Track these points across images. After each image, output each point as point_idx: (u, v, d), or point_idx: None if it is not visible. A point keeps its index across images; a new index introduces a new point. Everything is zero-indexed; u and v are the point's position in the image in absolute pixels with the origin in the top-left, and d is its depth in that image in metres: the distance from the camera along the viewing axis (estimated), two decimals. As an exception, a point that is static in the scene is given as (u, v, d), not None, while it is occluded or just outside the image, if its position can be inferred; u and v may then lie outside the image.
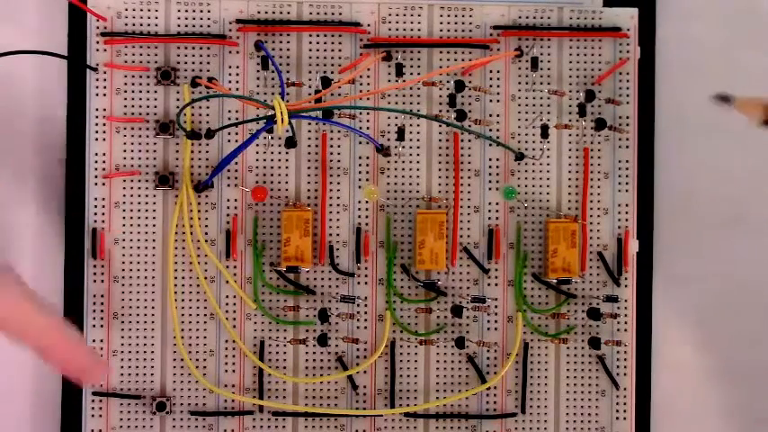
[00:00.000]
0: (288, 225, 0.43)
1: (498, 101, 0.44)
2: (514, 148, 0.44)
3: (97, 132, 0.43)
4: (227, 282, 0.43)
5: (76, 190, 0.43)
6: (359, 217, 0.44)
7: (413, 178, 0.44)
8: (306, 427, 0.44)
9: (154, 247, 0.43)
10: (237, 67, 0.43)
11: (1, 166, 0.43)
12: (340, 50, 0.44)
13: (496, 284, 0.44)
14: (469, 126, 0.44)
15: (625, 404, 0.44)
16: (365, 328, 0.44)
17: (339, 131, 0.44)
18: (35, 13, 0.43)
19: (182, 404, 0.43)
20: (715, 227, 0.45)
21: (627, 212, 0.44)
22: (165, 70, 0.43)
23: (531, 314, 0.44)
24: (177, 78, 0.43)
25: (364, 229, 0.44)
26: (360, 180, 0.44)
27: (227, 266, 0.43)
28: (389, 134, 0.44)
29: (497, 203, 0.44)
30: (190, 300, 0.43)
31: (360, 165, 0.44)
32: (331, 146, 0.44)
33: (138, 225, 0.43)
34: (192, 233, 0.43)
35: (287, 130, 0.41)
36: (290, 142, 0.42)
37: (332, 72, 0.44)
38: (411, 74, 0.44)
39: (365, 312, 0.44)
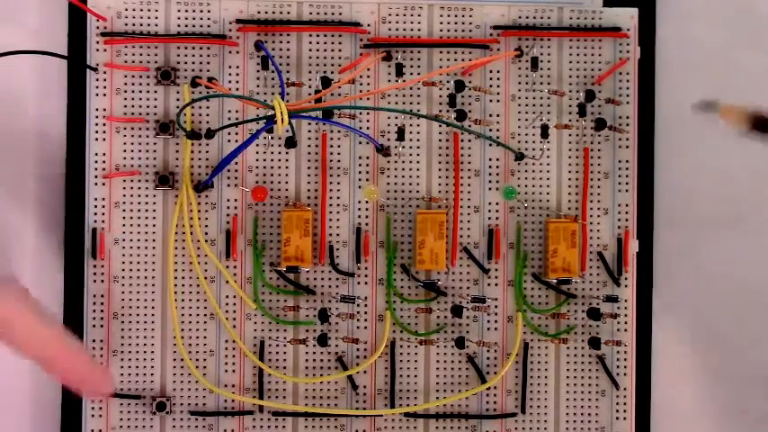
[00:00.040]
0: (288, 225, 0.43)
1: (498, 101, 0.44)
2: (514, 148, 0.44)
3: (97, 132, 0.43)
4: (227, 282, 0.43)
5: (76, 190, 0.43)
6: (359, 217, 0.44)
7: (413, 178, 0.44)
8: (306, 427, 0.44)
9: (154, 247, 0.43)
10: (237, 67, 0.43)
11: (1, 165, 0.43)
12: (340, 50, 0.44)
13: (496, 284, 0.44)
14: (469, 126, 0.44)
15: (625, 404, 0.44)
16: (365, 328, 0.44)
17: (339, 131, 0.44)
18: (35, 13, 0.43)
19: (182, 404, 0.43)
20: (715, 227, 0.45)
21: (627, 212, 0.44)
22: (165, 70, 0.43)
23: (531, 314, 0.44)
24: (177, 78, 0.43)
25: (364, 229, 0.44)
26: (360, 180, 0.44)
27: (227, 266, 0.43)
28: (389, 134, 0.44)
29: (497, 203, 0.44)
30: (190, 300, 0.43)
31: (360, 165, 0.44)
32: (331, 146, 0.44)
33: (138, 225, 0.43)
34: (192, 233, 0.43)
35: (287, 130, 0.41)
36: (290, 142, 0.42)
37: (332, 72, 0.44)
38: (411, 74, 0.44)
39: (365, 312, 0.44)
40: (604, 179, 0.44)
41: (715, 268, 0.45)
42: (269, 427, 0.43)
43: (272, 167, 0.43)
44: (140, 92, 0.43)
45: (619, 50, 0.44)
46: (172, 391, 0.43)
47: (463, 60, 0.44)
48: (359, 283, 0.44)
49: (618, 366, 0.44)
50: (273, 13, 0.43)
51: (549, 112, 0.44)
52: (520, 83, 0.44)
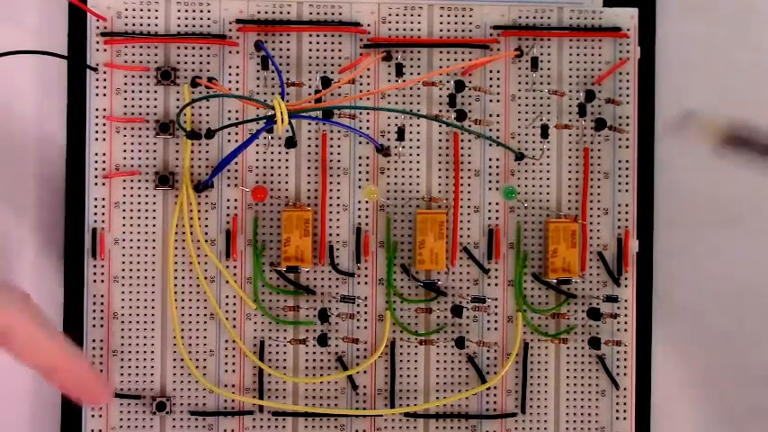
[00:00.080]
0: (288, 225, 0.43)
1: (498, 101, 0.44)
2: (514, 148, 0.44)
3: (97, 132, 0.43)
4: (227, 282, 0.43)
5: (76, 190, 0.43)
6: (359, 217, 0.44)
7: (413, 178, 0.44)
8: (306, 427, 0.44)
9: (154, 247, 0.43)
10: (237, 67, 0.43)
11: (1, 165, 0.43)
12: (340, 50, 0.44)
13: (496, 284, 0.44)
14: (469, 126, 0.44)
15: (625, 404, 0.44)
16: (365, 328, 0.44)
17: (339, 131, 0.44)
18: (35, 13, 0.43)
19: (182, 404, 0.43)
20: (715, 227, 0.45)
21: (627, 212, 0.44)
22: (165, 70, 0.43)
23: (531, 314, 0.44)
24: (177, 78, 0.43)
25: (364, 229, 0.44)
26: (360, 180, 0.44)
27: (227, 266, 0.43)
28: (389, 134, 0.44)
29: (497, 203, 0.44)
30: (190, 300, 0.43)
31: (360, 165, 0.44)
32: (331, 146, 0.44)
33: (138, 225, 0.43)
34: (192, 233, 0.43)
35: (287, 130, 0.41)
36: (290, 142, 0.42)
37: (332, 72, 0.44)
38: (411, 74, 0.44)
39: (365, 312, 0.44)
40: (604, 179, 0.44)
41: (715, 268, 0.45)
42: (269, 427, 0.43)
43: (272, 167, 0.43)
44: (140, 92, 0.43)
45: (619, 50, 0.44)
46: (172, 391, 0.43)
47: (463, 60, 0.44)
48: (359, 283, 0.44)
49: (618, 366, 0.44)
50: (273, 13, 0.43)
51: (549, 112, 0.44)
52: (520, 83, 0.44)
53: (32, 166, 0.43)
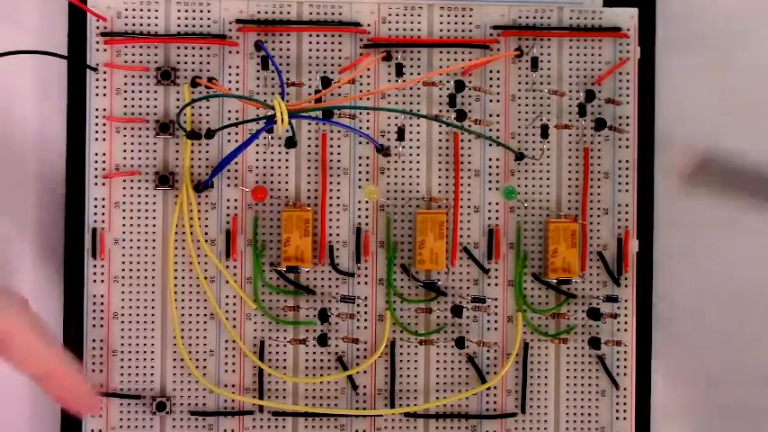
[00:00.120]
0: (288, 225, 0.43)
1: (498, 101, 0.44)
2: (514, 148, 0.44)
3: (97, 132, 0.43)
4: (227, 282, 0.43)
5: (76, 190, 0.43)
6: (359, 217, 0.44)
7: (413, 178, 0.44)
8: (306, 427, 0.44)
9: (154, 247, 0.43)
10: (237, 67, 0.43)
11: (1, 165, 0.43)
12: (340, 50, 0.44)
13: (496, 284, 0.44)
14: (469, 126, 0.44)
15: (625, 404, 0.44)
16: (365, 328, 0.44)
17: (339, 131, 0.44)
18: (35, 13, 0.43)
19: (182, 404, 0.43)
20: (715, 227, 0.45)
21: (627, 212, 0.44)
22: (165, 70, 0.43)
23: (531, 314, 0.44)
24: (177, 78, 0.43)
25: (364, 229, 0.44)
26: (360, 180, 0.44)
27: (227, 266, 0.43)
28: (389, 134, 0.44)
29: (497, 203, 0.44)
30: (190, 300, 0.43)
31: (360, 165, 0.44)
32: (331, 146, 0.44)
33: (138, 225, 0.43)
34: (192, 233, 0.43)
35: (287, 130, 0.41)
36: (290, 142, 0.42)
37: (332, 72, 0.44)
38: (411, 74, 0.44)
39: (365, 312, 0.44)
40: (604, 179, 0.44)
41: (715, 268, 0.45)
42: (269, 427, 0.43)
43: (272, 167, 0.43)
44: (140, 92, 0.43)
45: (619, 50, 0.44)
46: (172, 391, 0.43)
47: (463, 60, 0.44)
48: (359, 283, 0.44)
49: (618, 366, 0.44)
50: (273, 13, 0.43)
51: (549, 112, 0.44)
52: (520, 83, 0.44)
53: (32, 166, 0.43)
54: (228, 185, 0.43)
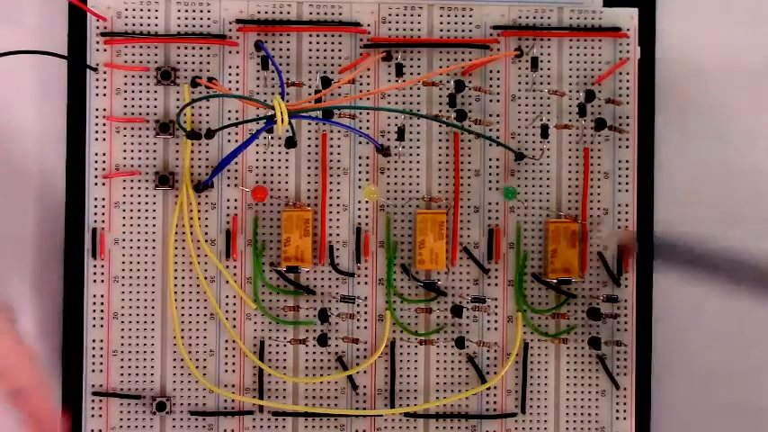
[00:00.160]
0: (288, 225, 0.43)
1: (498, 101, 0.44)
2: (514, 148, 0.44)
3: (97, 132, 0.43)
4: (227, 282, 0.43)
5: (76, 190, 0.43)
6: (359, 217, 0.44)
7: (413, 178, 0.44)
8: (306, 427, 0.44)
9: (154, 247, 0.43)
10: (237, 67, 0.43)
11: (1, 165, 0.43)
12: (340, 50, 0.44)
13: (496, 284, 0.44)
14: (469, 126, 0.44)
15: (625, 404, 0.44)
16: (365, 328, 0.44)
17: (339, 131, 0.44)
18: (35, 13, 0.43)
19: (182, 404, 0.43)
20: (715, 227, 0.45)
21: (627, 212, 0.44)
22: (165, 70, 0.43)
23: (531, 314, 0.44)
24: (177, 78, 0.43)
25: (364, 229, 0.44)
26: (360, 180, 0.44)
27: (227, 266, 0.43)
28: (389, 134, 0.44)
29: (497, 203, 0.44)
30: (190, 300, 0.43)
31: (360, 165, 0.44)
32: (331, 146, 0.44)
33: (138, 225, 0.43)
34: (192, 233, 0.43)
35: (287, 130, 0.41)
36: (290, 142, 0.42)
37: (332, 72, 0.44)
38: (411, 74, 0.44)
39: (365, 312, 0.44)
40: (604, 179, 0.44)
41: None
42: (269, 427, 0.43)
43: (272, 167, 0.43)
44: (140, 92, 0.43)
45: (619, 50, 0.44)
46: (172, 391, 0.43)
47: (463, 60, 0.44)
48: (359, 283, 0.44)
49: (618, 366, 0.44)
50: (273, 13, 0.43)
51: (549, 112, 0.44)
52: (520, 83, 0.44)
53: (32, 167, 0.43)
54: (228, 185, 0.43)
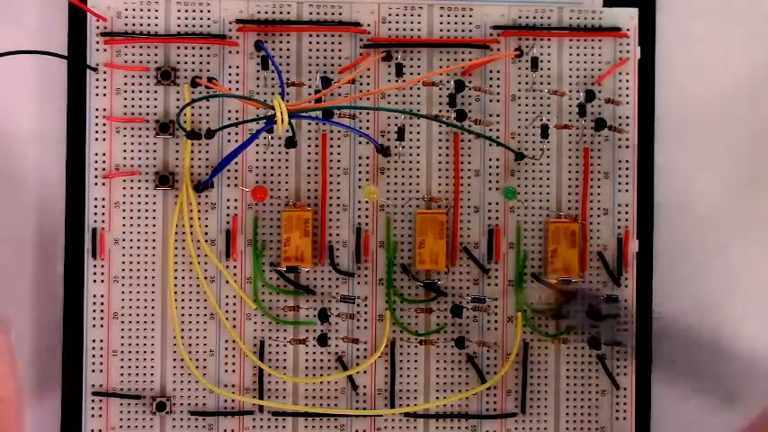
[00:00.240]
0: (288, 225, 0.43)
1: (498, 101, 0.44)
2: (514, 148, 0.44)
3: (97, 132, 0.43)
4: (227, 282, 0.43)
5: (76, 190, 0.43)
6: (359, 217, 0.44)
7: (413, 178, 0.44)
8: (306, 427, 0.44)
9: (154, 247, 0.43)
10: (237, 67, 0.43)
11: (1, 165, 0.43)
12: (340, 50, 0.44)
13: (496, 284, 0.44)
14: (469, 126, 0.44)
15: (625, 404, 0.44)
16: (365, 328, 0.44)
17: (339, 131, 0.44)
18: (35, 13, 0.43)
19: (182, 404, 0.43)
20: (715, 227, 0.45)
21: (627, 212, 0.44)
22: (165, 70, 0.43)
23: (531, 314, 0.44)
24: (177, 78, 0.43)
25: (364, 229, 0.44)
26: (360, 180, 0.44)
27: (227, 266, 0.43)
28: (389, 134, 0.44)
29: (497, 203, 0.44)
30: (190, 300, 0.43)
31: (360, 165, 0.44)
32: (331, 146, 0.44)
33: (138, 225, 0.43)
34: (192, 233, 0.43)
35: (287, 130, 0.41)
36: (290, 142, 0.42)
37: (332, 72, 0.44)
38: (411, 74, 0.44)
39: (365, 312, 0.44)
40: (604, 179, 0.44)
41: (715, 268, 0.45)
42: (269, 427, 0.43)
43: (272, 167, 0.43)
44: (140, 92, 0.43)
45: (619, 50, 0.44)
46: (172, 391, 0.43)
47: (463, 60, 0.44)
48: (359, 283, 0.44)
49: (618, 366, 0.44)
50: (273, 13, 0.43)
51: (549, 112, 0.44)
52: (520, 83, 0.44)
53: (32, 167, 0.43)
54: (228, 185, 0.43)
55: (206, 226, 0.43)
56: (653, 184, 0.44)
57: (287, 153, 0.43)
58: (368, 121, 0.44)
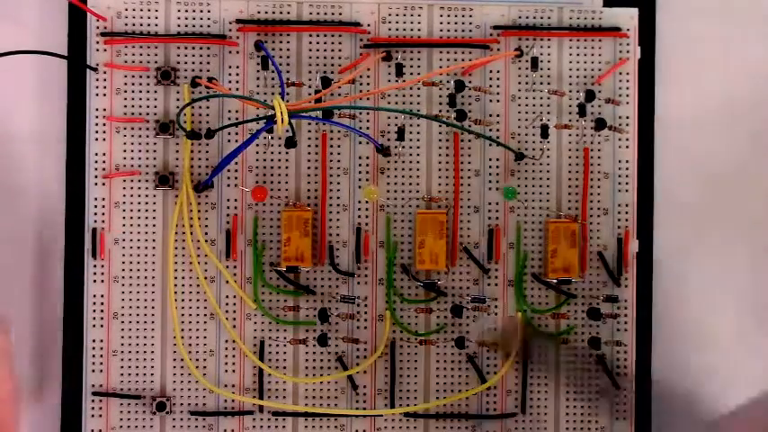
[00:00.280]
0: (288, 225, 0.43)
1: (498, 101, 0.44)
2: (514, 148, 0.44)
3: (97, 132, 0.43)
4: (227, 282, 0.43)
5: (76, 190, 0.43)
6: (359, 217, 0.44)
7: (413, 178, 0.44)
8: (306, 427, 0.44)
9: (154, 247, 0.43)
10: (237, 67, 0.43)
11: (0, 165, 0.43)
12: (340, 50, 0.44)
13: (496, 284, 0.44)
14: (469, 126, 0.44)
15: (625, 404, 0.44)
16: (365, 328, 0.44)
17: (339, 131, 0.44)
18: (35, 13, 0.43)
19: (182, 404, 0.43)
20: (715, 227, 0.45)
21: (627, 212, 0.44)
22: (165, 70, 0.43)
23: (531, 314, 0.44)
24: (177, 78, 0.43)
25: (364, 229, 0.44)
26: (360, 180, 0.44)
27: (227, 266, 0.43)
28: (389, 134, 0.44)
29: (497, 203, 0.44)
30: (190, 300, 0.43)
31: (360, 165, 0.44)
32: (331, 146, 0.44)
33: (138, 225, 0.43)
34: (192, 233, 0.43)
35: (287, 130, 0.41)
36: (290, 142, 0.42)
37: (332, 72, 0.44)
38: (411, 74, 0.44)
39: (365, 312, 0.44)
40: (604, 179, 0.44)
41: (715, 268, 0.45)
42: (269, 427, 0.43)
43: (272, 167, 0.43)
44: (140, 92, 0.43)
45: (619, 50, 0.44)
46: (172, 391, 0.43)
47: (463, 60, 0.44)
48: (359, 283, 0.44)
49: (618, 366, 0.44)
50: (273, 13, 0.43)
51: (549, 112, 0.44)
52: (520, 83, 0.44)
53: (32, 166, 0.43)
54: (228, 185, 0.43)
55: (206, 226, 0.43)
56: (653, 184, 0.44)
57: (287, 153, 0.43)
58: (368, 121, 0.44)
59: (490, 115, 0.44)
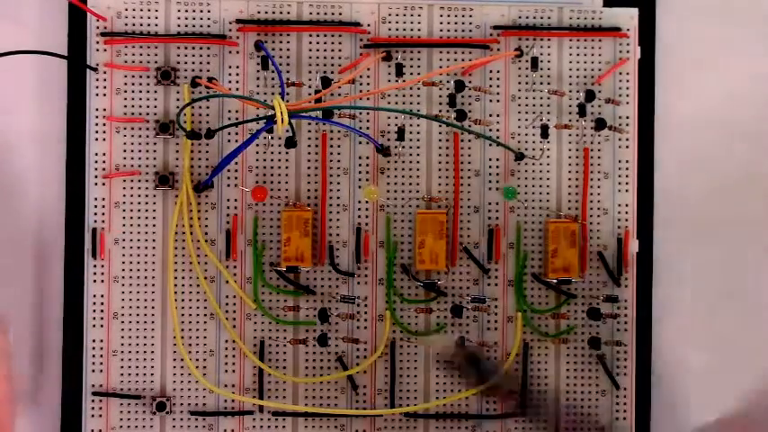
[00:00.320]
0: (288, 225, 0.43)
1: (498, 101, 0.44)
2: (514, 148, 0.44)
3: (97, 132, 0.43)
4: (227, 282, 0.43)
5: (76, 190, 0.43)
6: (359, 217, 0.44)
7: (413, 178, 0.44)
8: (306, 427, 0.44)
9: (154, 247, 0.43)
10: (237, 67, 0.43)
11: (0, 165, 0.43)
12: (340, 50, 0.44)
13: (496, 284, 0.44)
14: (469, 126, 0.44)
15: (625, 404, 0.44)
16: (365, 328, 0.44)
17: (339, 131, 0.44)
18: (35, 13, 0.43)
19: (182, 404, 0.43)
20: (715, 227, 0.45)
21: (627, 212, 0.44)
22: (165, 70, 0.43)
23: (531, 314, 0.44)
24: (177, 78, 0.43)
25: (364, 229, 0.44)
26: (360, 180, 0.44)
27: (227, 266, 0.43)
28: (389, 134, 0.44)
29: (497, 203, 0.44)
30: (190, 300, 0.43)
31: (360, 165, 0.44)
32: (331, 146, 0.44)
33: (138, 225, 0.43)
34: (192, 233, 0.43)
35: (287, 130, 0.41)
36: (290, 142, 0.42)
37: (332, 72, 0.44)
38: (411, 74, 0.44)
39: (365, 312, 0.44)
40: (604, 179, 0.44)
41: (715, 268, 0.45)
42: (269, 427, 0.43)
43: (272, 167, 0.43)
44: (140, 92, 0.43)
45: (619, 50, 0.44)
46: (172, 391, 0.43)
47: (463, 60, 0.44)
48: (359, 283, 0.44)
49: (618, 366, 0.44)
50: (273, 13, 0.43)
51: (549, 112, 0.44)
52: (520, 83, 0.44)
53: (32, 166, 0.43)
54: (228, 185, 0.43)
55: (206, 226, 0.43)
56: (653, 184, 0.44)
57: (287, 153, 0.43)
58: (368, 121, 0.44)
59: (490, 115, 0.44)
